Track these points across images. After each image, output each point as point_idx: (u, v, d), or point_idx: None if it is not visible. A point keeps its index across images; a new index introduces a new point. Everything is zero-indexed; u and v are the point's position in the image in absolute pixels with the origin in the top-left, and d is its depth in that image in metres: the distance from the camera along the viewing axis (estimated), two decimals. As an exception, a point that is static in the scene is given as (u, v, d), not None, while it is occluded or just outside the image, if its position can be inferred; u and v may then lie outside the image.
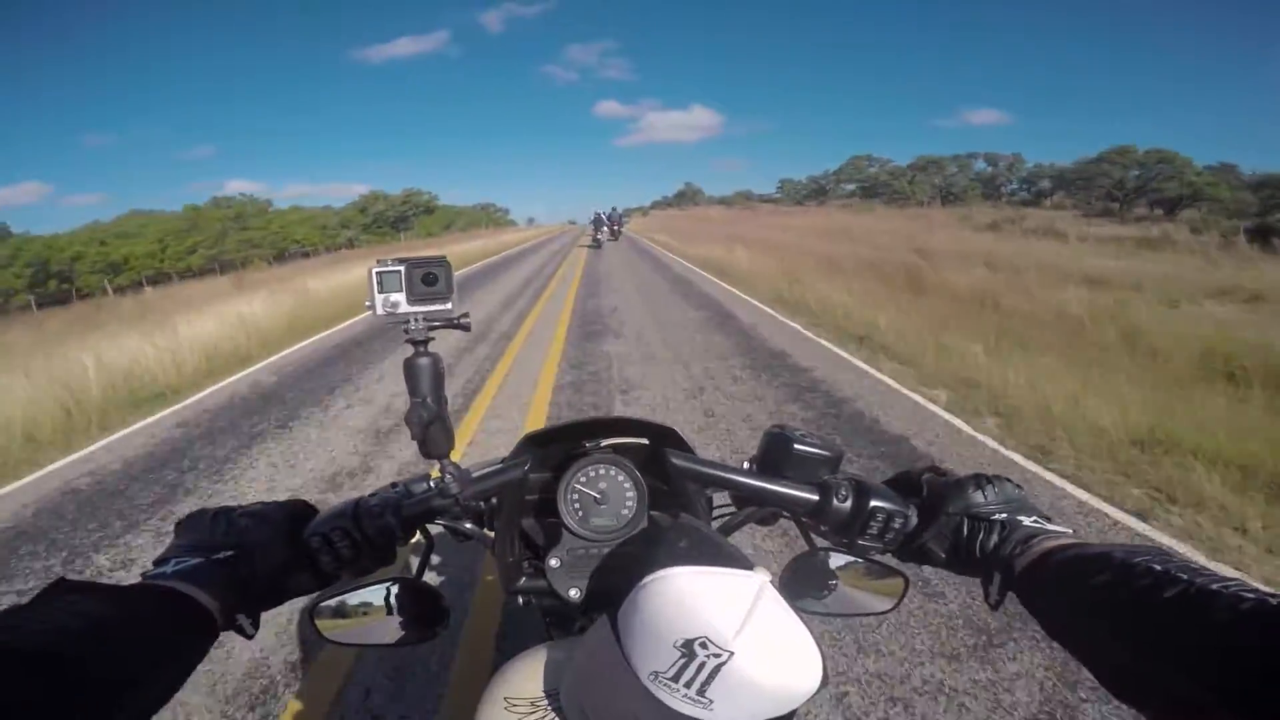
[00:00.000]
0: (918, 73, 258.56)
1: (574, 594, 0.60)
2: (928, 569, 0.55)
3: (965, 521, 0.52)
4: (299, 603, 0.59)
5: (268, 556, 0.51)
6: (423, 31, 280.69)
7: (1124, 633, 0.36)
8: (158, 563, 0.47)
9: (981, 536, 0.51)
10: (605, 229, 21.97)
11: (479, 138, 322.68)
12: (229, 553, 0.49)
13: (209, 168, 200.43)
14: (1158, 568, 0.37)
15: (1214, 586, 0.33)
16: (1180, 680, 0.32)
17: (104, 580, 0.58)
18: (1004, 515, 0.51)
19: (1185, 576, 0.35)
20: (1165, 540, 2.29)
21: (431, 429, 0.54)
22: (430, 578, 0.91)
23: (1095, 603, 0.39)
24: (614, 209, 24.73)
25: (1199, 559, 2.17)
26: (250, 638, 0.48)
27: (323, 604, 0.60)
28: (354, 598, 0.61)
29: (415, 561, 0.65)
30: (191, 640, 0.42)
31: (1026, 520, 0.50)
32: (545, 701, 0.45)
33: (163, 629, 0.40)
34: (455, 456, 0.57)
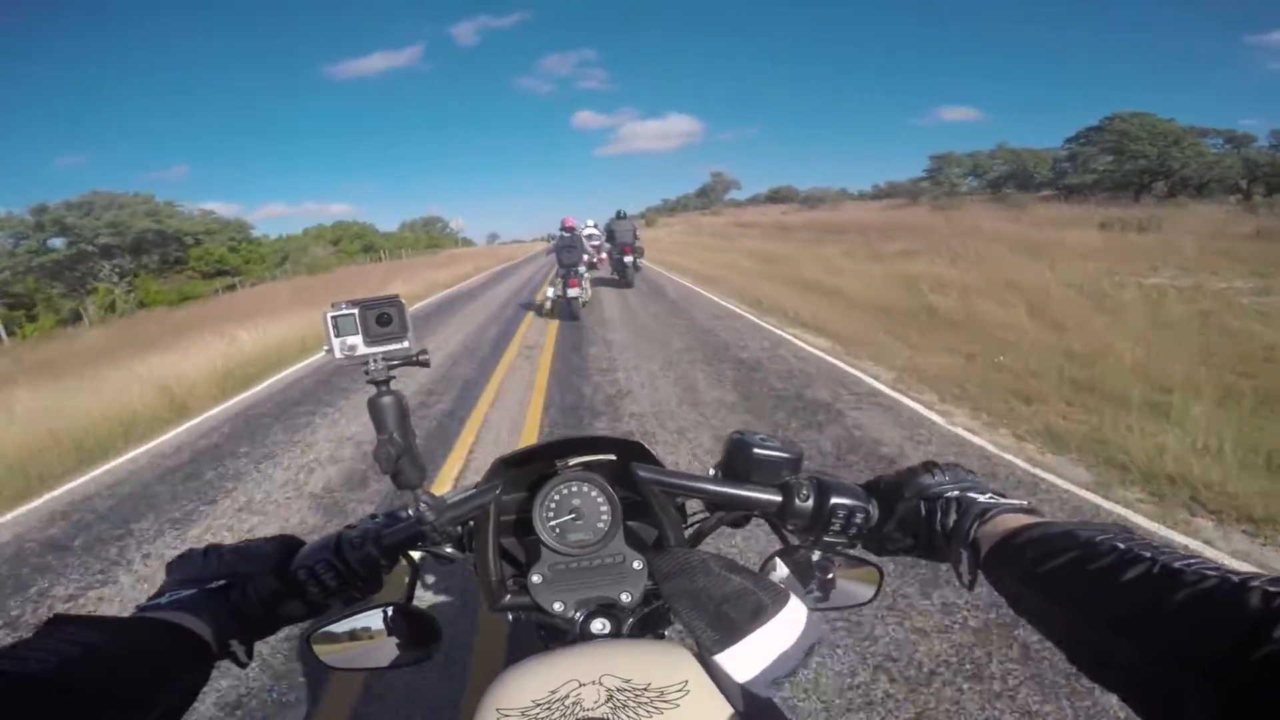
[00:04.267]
0: (892, 72, 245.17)
1: (558, 607, 0.63)
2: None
3: (921, 503, 0.55)
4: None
5: (258, 586, 0.54)
6: (396, 47, 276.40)
7: (1090, 612, 0.38)
8: (151, 599, 0.50)
9: (940, 516, 0.53)
10: (581, 267, 8.58)
11: (456, 153, 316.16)
12: (221, 582, 0.52)
13: (183, 189, 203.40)
14: (1121, 546, 0.38)
15: (1177, 564, 0.35)
16: (1147, 657, 0.33)
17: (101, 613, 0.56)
18: (956, 493, 0.54)
19: (1148, 555, 0.36)
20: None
21: (401, 462, 0.57)
22: (430, 597, 0.87)
23: (1060, 582, 0.40)
24: (619, 213, 11.86)
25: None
26: (243, 666, 0.51)
27: (319, 631, 0.64)
28: (348, 624, 0.65)
29: (406, 587, 0.68)
30: (190, 667, 0.44)
31: (981, 497, 0.53)
32: (535, 711, 0.47)
33: (162, 657, 0.42)
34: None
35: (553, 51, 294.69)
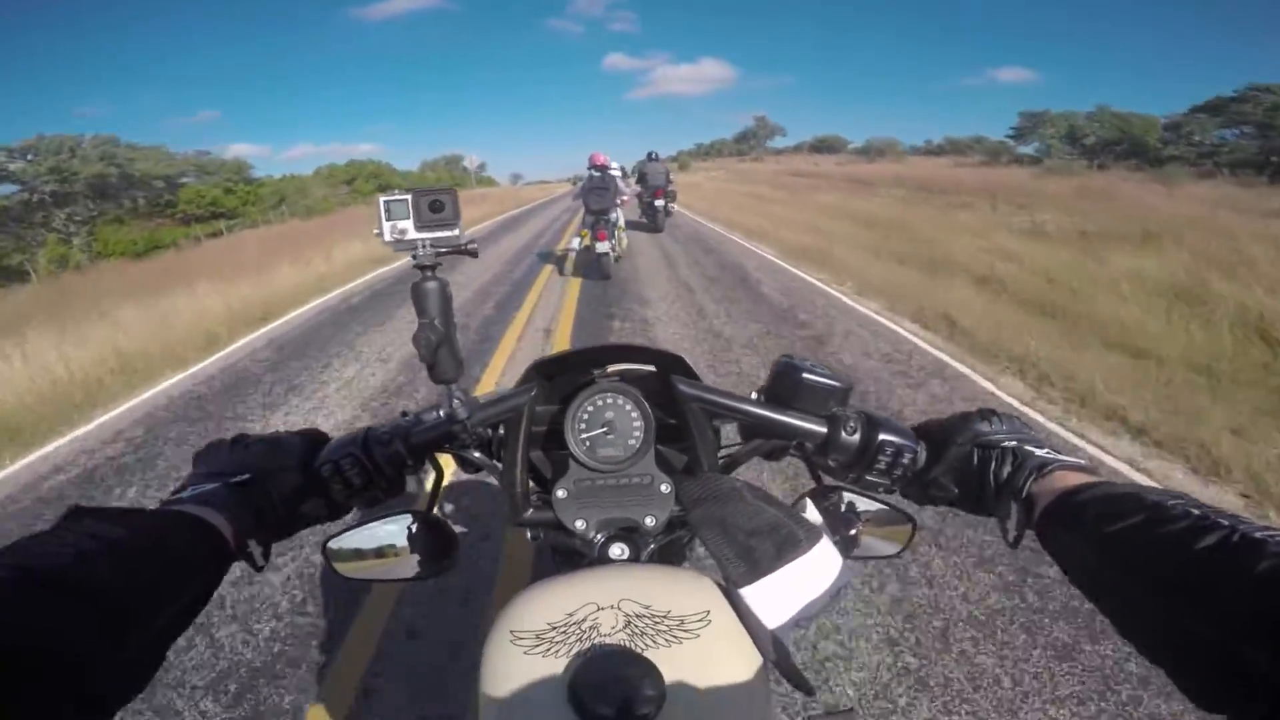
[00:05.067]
0: (932, 31, 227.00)
1: (580, 525, 0.63)
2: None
3: (975, 451, 0.53)
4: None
5: (282, 483, 0.54)
6: None
7: (1158, 582, 0.36)
8: (175, 491, 0.50)
9: (994, 465, 0.51)
10: (614, 213, 7.14)
11: (482, 93, 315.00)
12: (245, 476, 0.52)
13: (210, 133, 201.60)
14: (1195, 511, 0.36)
15: (1257, 534, 0.32)
16: (1221, 630, 0.31)
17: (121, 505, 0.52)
18: (1013, 443, 0.52)
19: (1225, 522, 0.34)
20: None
21: (440, 352, 0.57)
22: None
23: (1126, 545, 0.38)
24: (651, 155, 11.18)
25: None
26: (259, 569, 0.51)
27: (335, 539, 0.65)
28: (366, 532, 0.65)
29: (428, 497, 0.69)
30: (207, 564, 0.44)
31: (1038, 450, 0.51)
32: (551, 634, 0.46)
33: (179, 552, 0.42)
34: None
35: None
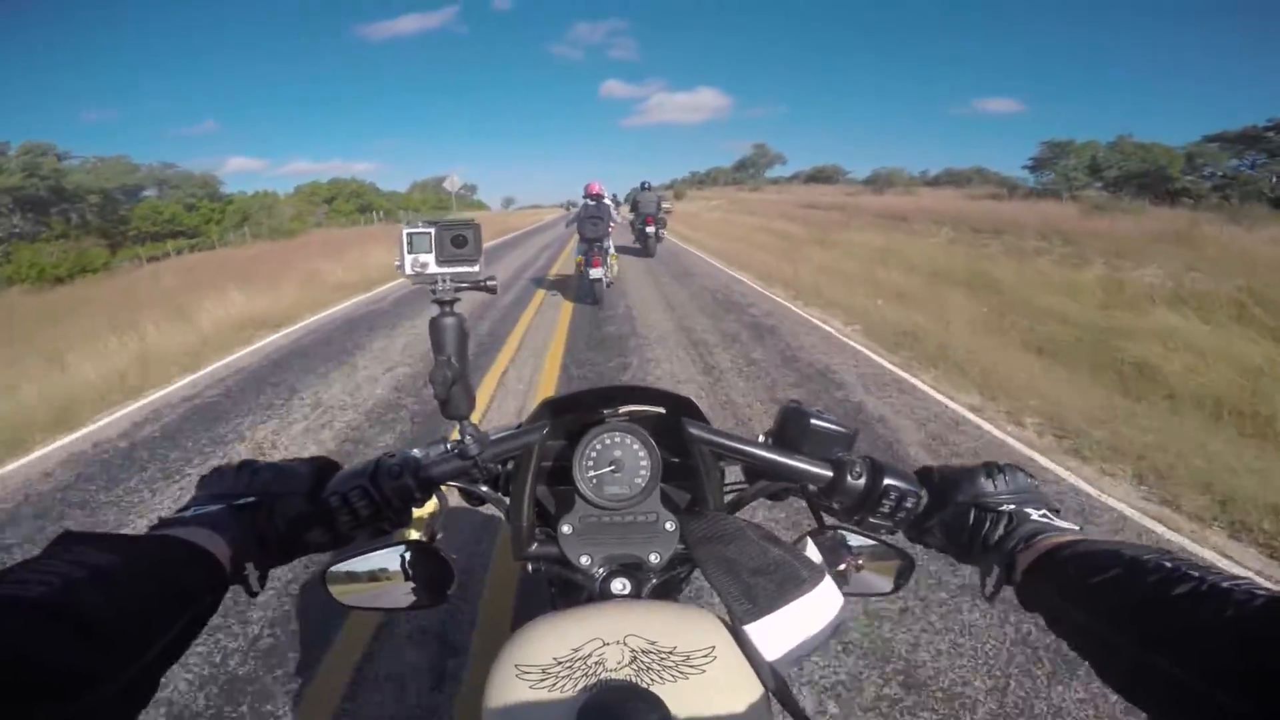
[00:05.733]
0: (929, 62, 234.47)
1: (584, 561, 0.65)
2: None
3: (973, 511, 0.55)
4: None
5: (287, 508, 0.54)
6: (430, 8, 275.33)
7: (1133, 628, 0.38)
8: (177, 512, 0.50)
9: (987, 527, 0.54)
10: (607, 242, 7.30)
11: (482, 115, 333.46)
12: (250, 499, 0.52)
13: (209, 145, 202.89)
14: (1167, 564, 0.39)
15: (1225, 584, 0.35)
16: (1190, 673, 0.33)
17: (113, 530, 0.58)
18: (1012, 507, 0.54)
19: (1196, 574, 0.37)
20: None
21: (455, 389, 0.57)
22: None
23: (1103, 597, 0.41)
24: (644, 185, 12.48)
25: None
26: (253, 595, 0.50)
27: (335, 567, 0.65)
28: (365, 562, 0.66)
29: (428, 527, 0.70)
30: (200, 591, 0.44)
31: (1035, 514, 0.53)
32: (557, 669, 0.47)
33: (171, 580, 0.42)
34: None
35: (585, 19, 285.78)
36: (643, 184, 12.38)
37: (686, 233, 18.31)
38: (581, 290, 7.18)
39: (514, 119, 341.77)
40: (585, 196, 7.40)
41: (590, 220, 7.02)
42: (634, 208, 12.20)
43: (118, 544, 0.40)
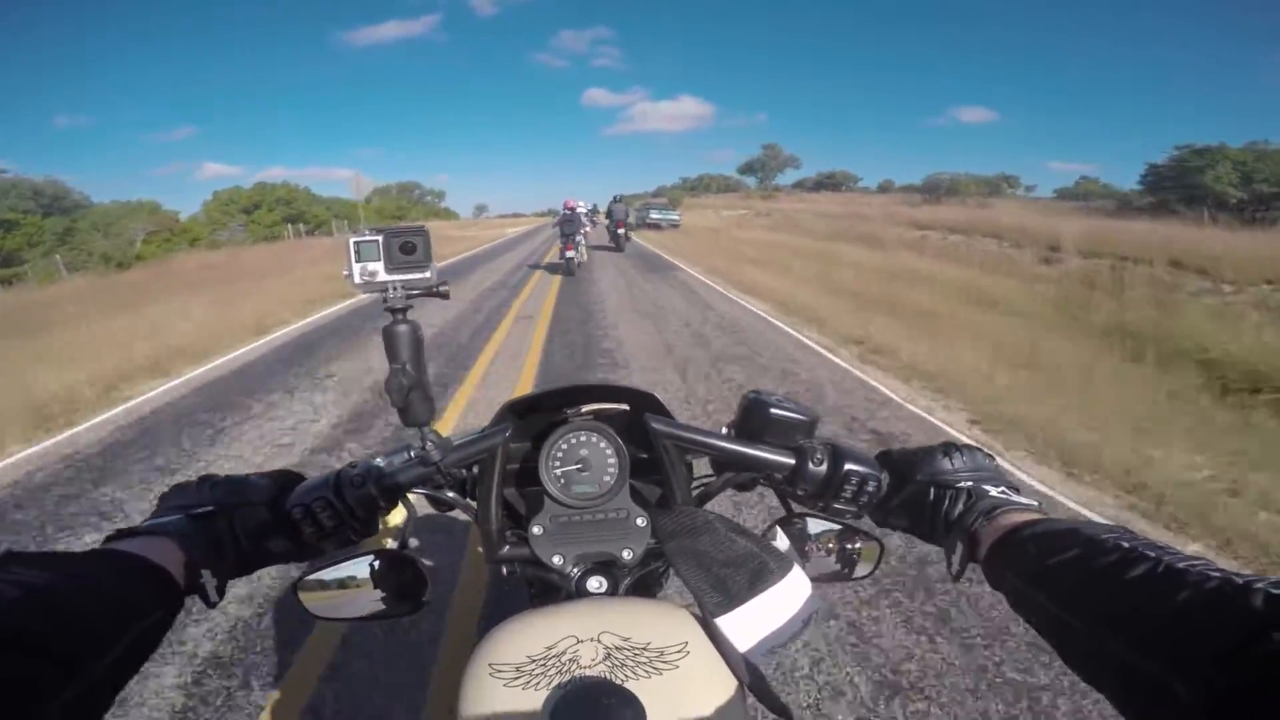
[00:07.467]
0: (909, 73, 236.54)
1: (557, 561, 0.65)
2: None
3: (931, 489, 0.56)
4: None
5: (246, 518, 0.54)
6: (412, 15, 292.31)
7: (1089, 609, 0.38)
8: (132, 527, 0.50)
9: (946, 505, 0.54)
10: (579, 236, 11.89)
11: (463, 122, 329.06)
12: (207, 509, 0.51)
13: (185, 150, 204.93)
14: (1125, 545, 0.39)
15: (1180, 565, 0.35)
16: (1143, 655, 0.34)
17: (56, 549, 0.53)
18: (969, 484, 0.55)
19: (1152, 554, 0.37)
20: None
21: (412, 395, 0.57)
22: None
23: (1061, 578, 0.41)
24: (616, 197, 16.82)
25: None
26: (211, 605, 0.49)
27: (307, 578, 0.65)
28: (338, 571, 0.65)
29: (399, 534, 0.69)
30: (149, 604, 0.42)
31: (993, 490, 0.54)
32: (531, 667, 0.47)
33: (115, 595, 0.40)
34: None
35: (568, 27, 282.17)
36: (615, 196, 16.74)
37: (751, 278, 9.65)
38: (561, 267, 11.47)
39: (495, 127, 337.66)
40: (564, 209, 12.24)
41: (567, 222, 11.68)
42: (609, 215, 16.19)
43: (56, 561, 0.39)
